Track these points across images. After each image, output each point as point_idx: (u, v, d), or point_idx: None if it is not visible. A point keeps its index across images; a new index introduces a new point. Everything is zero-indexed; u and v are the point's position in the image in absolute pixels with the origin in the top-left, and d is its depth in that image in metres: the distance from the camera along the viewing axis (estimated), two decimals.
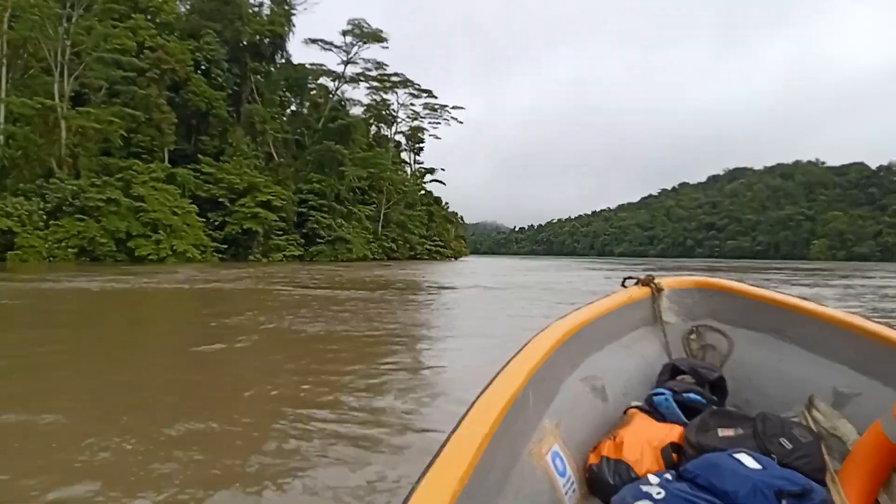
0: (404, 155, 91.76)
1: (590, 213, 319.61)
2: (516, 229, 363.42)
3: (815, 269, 53.48)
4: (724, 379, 2.55)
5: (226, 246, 52.92)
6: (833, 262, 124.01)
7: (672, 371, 2.56)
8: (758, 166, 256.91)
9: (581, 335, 2.34)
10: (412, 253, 77.29)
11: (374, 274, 32.03)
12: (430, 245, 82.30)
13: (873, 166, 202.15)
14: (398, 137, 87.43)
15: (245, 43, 57.59)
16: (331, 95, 64.83)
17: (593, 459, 1.98)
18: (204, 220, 51.77)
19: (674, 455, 1.97)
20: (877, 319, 2.46)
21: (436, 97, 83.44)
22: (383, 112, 79.21)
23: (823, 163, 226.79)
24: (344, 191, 63.27)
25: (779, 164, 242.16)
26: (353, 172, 59.66)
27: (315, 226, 57.99)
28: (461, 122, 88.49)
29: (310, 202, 58.51)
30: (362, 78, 70.34)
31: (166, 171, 51.45)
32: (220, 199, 53.14)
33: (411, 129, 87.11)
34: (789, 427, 1.98)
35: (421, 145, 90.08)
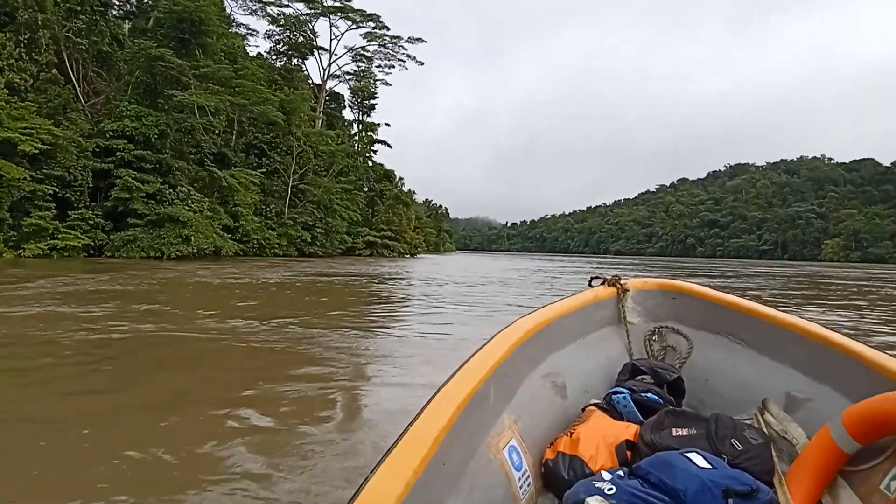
0: (350, 114, 63.27)
1: (584, 208, 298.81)
2: (508, 225, 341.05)
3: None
4: (682, 380, 2.47)
5: None
6: (849, 265, 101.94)
7: (632, 371, 2.46)
8: (760, 162, 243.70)
9: (545, 332, 2.28)
10: (342, 247, 49.20)
11: None
12: (373, 236, 53.83)
13: (885, 163, 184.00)
14: (333, 86, 58.70)
15: None
16: None
17: (549, 455, 1.91)
18: None
19: (628, 452, 1.91)
20: (830, 326, 2.35)
21: (387, 27, 54.64)
22: (290, 33, 49.54)
23: (831, 159, 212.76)
24: (209, 140, 35.19)
25: (782, 160, 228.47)
26: (196, 100, 31.01)
27: (125, 195, 29.81)
28: (422, 64, 59.66)
29: (119, 153, 30.30)
30: None
31: None
32: None
33: (355, 74, 58.21)
34: (741, 429, 1.92)
35: (373, 102, 61.36)
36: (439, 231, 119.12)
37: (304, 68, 53.88)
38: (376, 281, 20.47)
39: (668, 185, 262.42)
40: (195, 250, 30.38)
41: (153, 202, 30.81)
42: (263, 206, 41.53)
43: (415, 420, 1.40)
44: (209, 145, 35.78)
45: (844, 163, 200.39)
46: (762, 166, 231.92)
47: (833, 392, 2.13)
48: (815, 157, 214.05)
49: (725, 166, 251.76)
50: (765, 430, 2.07)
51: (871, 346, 2.10)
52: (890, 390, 1.73)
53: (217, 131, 35.38)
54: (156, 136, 30.83)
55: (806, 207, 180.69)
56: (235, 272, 21.44)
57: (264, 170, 41.53)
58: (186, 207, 31.54)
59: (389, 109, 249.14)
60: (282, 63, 49.92)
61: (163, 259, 29.42)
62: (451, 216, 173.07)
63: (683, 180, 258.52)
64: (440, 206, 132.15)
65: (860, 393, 1.87)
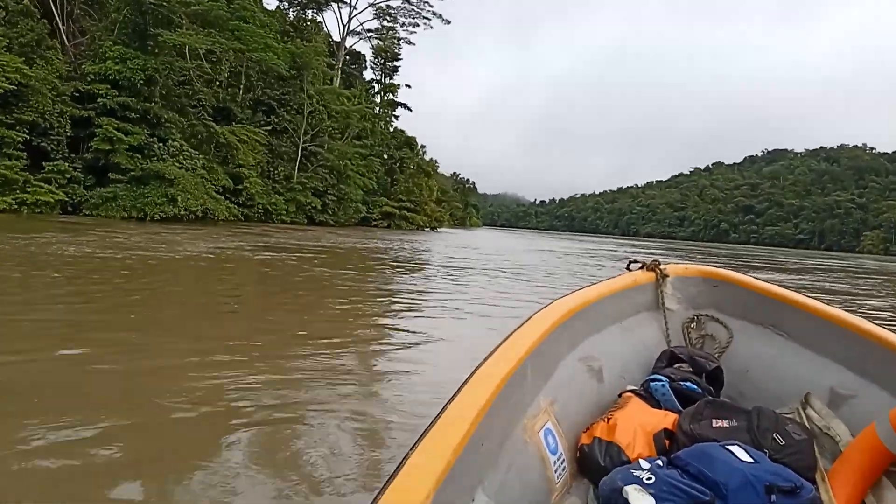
0: (371, 75, 59.03)
1: (615, 189, 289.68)
2: (537, 202, 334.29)
3: None
4: (721, 370, 2.37)
5: None
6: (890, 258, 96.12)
7: (670, 358, 2.38)
8: (798, 148, 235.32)
9: (582, 315, 2.21)
10: (357, 217, 45.41)
11: None
12: (390, 206, 49.95)
13: None
14: (353, 43, 54.50)
15: None
16: None
17: (585, 440, 1.86)
18: None
19: (666, 441, 1.84)
20: (879, 321, 2.32)
21: None
22: None
23: (873, 148, 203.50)
24: (209, 93, 31.48)
25: (822, 147, 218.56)
26: (184, 41, 27.24)
27: (106, 147, 26.24)
28: (448, 23, 55.22)
29: (101, 100, 26.70)
30: None
31: None
32: None
33: (377, 31, 54.03)
34: (783, 423, 1.85)
35: (396, 63, 57.16)
36: (466, 205, 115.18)
37: (323, 22, 49.96)
38: (351, 266, 16.42)
39: (702, 168, 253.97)
40: (182, 212, 26.74)
41: (139, 156, 27.21)
42: (271, 169, 37.82)
43: (452, 399, 1.36)
44: (209, 98, 32.03)
45: (887, 153, 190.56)
46: (801, 153, 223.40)
47: (879, 390, 2.04)
48: (856, 146, 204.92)
49: (763, 151, 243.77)
50: (807, 425, 2.00)
51: None
52: None
53: (219, 82, 31.59)
54: (142, 82, 27.12)
55: (846, 197, 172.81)
56: (176, 239, 17.09)
57: (271, 128, 37.71)
58: (177, 164, 27.89)
59: (418, 80, 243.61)
60: (295, 13, 46.02)
61: (145, 220, 25.90)
62: (480, 191, 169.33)
63: (719, 164, 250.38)
64: (468, 179, 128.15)
65: None
